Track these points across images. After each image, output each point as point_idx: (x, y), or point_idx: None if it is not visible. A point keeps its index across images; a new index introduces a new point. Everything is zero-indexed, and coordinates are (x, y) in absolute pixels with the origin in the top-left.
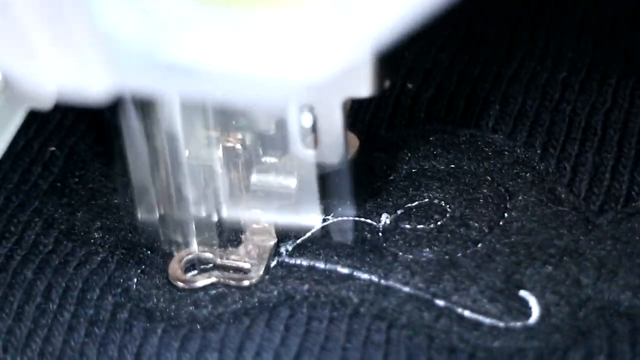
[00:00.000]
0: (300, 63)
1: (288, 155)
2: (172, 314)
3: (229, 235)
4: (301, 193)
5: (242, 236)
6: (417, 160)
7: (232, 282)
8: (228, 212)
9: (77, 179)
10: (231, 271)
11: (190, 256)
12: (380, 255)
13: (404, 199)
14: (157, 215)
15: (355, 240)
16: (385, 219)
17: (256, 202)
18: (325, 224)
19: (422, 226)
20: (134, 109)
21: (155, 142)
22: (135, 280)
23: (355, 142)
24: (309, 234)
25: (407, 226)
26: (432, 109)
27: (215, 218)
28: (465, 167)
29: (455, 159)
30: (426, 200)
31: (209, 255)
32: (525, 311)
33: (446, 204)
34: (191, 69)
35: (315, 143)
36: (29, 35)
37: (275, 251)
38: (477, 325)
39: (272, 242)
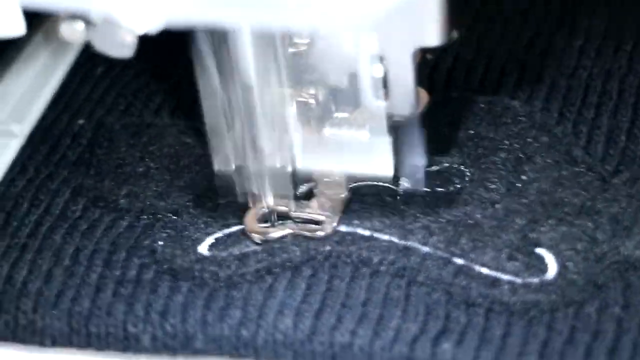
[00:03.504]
0: None
1: (360, 109)
2: (196, 274)
3: (303, 188)
4: (373, 145)
5: (315, 190)
6: (436, 127)
7: (307, 234)
8: (301, 165)
9: (104, 150)
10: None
11: (265, 209)
12: (401, 217)
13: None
14: (233, 167)
15: (375, 204)
16: (404, 183)
17: (329, 154)
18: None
19: (441, 189)
20: (210, 62)
21: (230, 93)
22: (161, 243)
23: (425, 97)
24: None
25: (427, 190)
26: (450, 78)
27: (289, 170)
28: (484, 133)
29: (474, 125)
30: (446, 164)
31: (283, 208)
32: (542, 268)
33: (465, 168)
34: None
35: (387, 95)
36: None
37: (348, 204)
38: (495, 281)
39: (344, 194)
